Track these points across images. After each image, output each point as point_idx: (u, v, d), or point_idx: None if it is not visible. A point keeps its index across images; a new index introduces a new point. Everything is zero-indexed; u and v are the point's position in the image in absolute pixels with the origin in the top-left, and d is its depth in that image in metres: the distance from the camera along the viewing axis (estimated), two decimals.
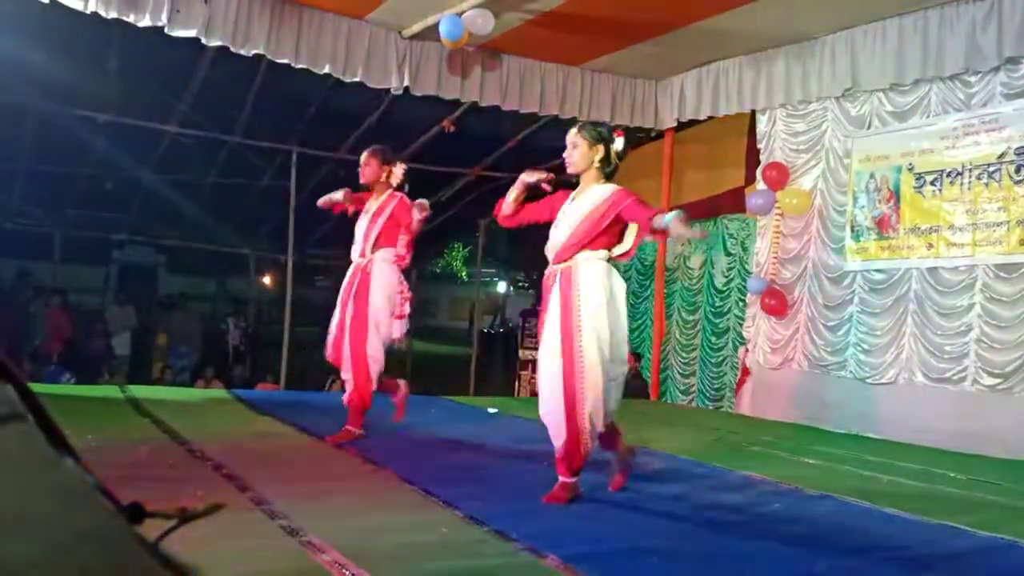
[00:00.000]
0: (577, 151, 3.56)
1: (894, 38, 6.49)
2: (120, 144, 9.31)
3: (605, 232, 3.48)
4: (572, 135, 3.59)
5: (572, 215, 3.54)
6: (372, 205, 4.86)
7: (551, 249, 3.59)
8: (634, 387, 8.99)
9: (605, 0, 6.43)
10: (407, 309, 4.85)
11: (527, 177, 3.72)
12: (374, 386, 4.72)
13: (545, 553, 2.62)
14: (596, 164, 3.55)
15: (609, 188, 3.55)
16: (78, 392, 6.61)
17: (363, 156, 4.92)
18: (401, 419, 4.97)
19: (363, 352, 4.67)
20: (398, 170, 4.88)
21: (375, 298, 4.70)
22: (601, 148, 3.54)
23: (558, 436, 3.42)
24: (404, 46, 7.21)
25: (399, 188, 4.89)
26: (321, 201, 5.06)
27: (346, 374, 4.77)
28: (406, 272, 4.96)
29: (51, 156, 9.68)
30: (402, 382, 5.03)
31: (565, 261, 3.50)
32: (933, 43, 6.23)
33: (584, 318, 3.38)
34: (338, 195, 4.97)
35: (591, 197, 3.53)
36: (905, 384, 6.47)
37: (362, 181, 4.90)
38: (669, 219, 3.26)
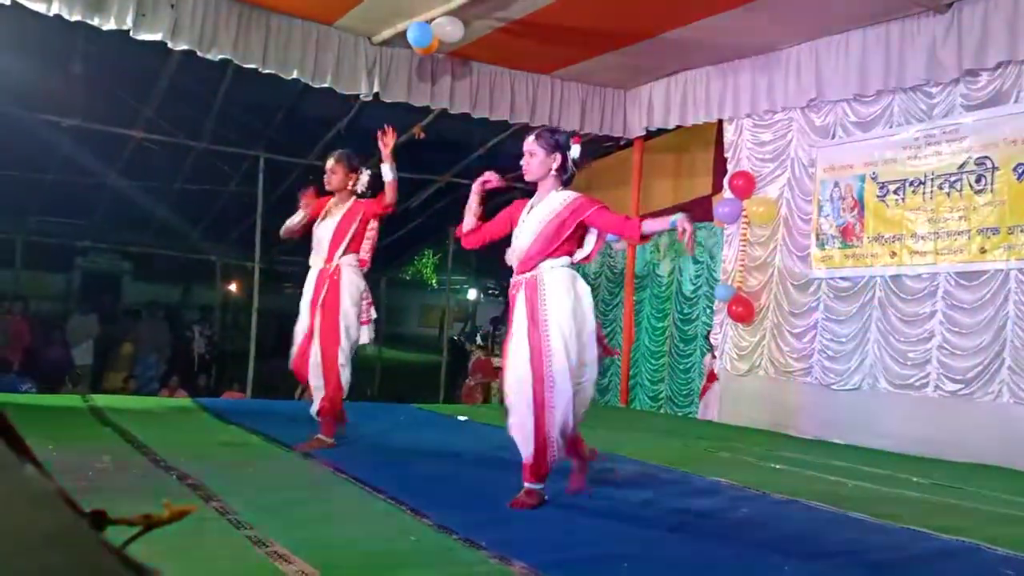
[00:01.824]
0: (535, 159, 3.55)
1: (857, 50, 6.61)
2: (85, 149, 9.16)
3: (568, 240, 3.50)
4: (529, 143, 3.58)
5: (533, 223, 3.53)
6: (337, 210, 4.77)
7: (515, 257, 3.59)
8: None
9: (575, 9, 6.47)
10: (373, 313, 4.82)
11: (479, 184, 3.70)
12: (344, 393, 4.68)
13: (515, 560, 2.61)
14: (553, 172, 3.54)
15: (569, 195, 3.55)
16: (39, 401, 6.48)
17: (329, 162, 4.83)
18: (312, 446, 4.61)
19: (335, 359, 4.62)
20: (364, 177, 4.81)
21: (346, 304, 4.64)
22: (558, 156, 3.53)
23: (526, 445, 3.42)
24: (374, 52, 7.19)
25: (362, 196, 4.84)
26: (284, 232, 4.94)
27: (316, 381, 4.68)
28: (372, 278, 4.92)
29: (13, 161, 9.50)
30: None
31: (529, 271, 3.51)
32: (895, 55, 6.35)
33: (551, 327, 3.39)
34: (296, 217, 4.86)
35: (551, 204, 3.53)
36: (869, 390, 6.56)
37: (328, 188, 4.82)
38: (675, 220, 3.36)
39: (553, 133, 3.65)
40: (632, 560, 2.78)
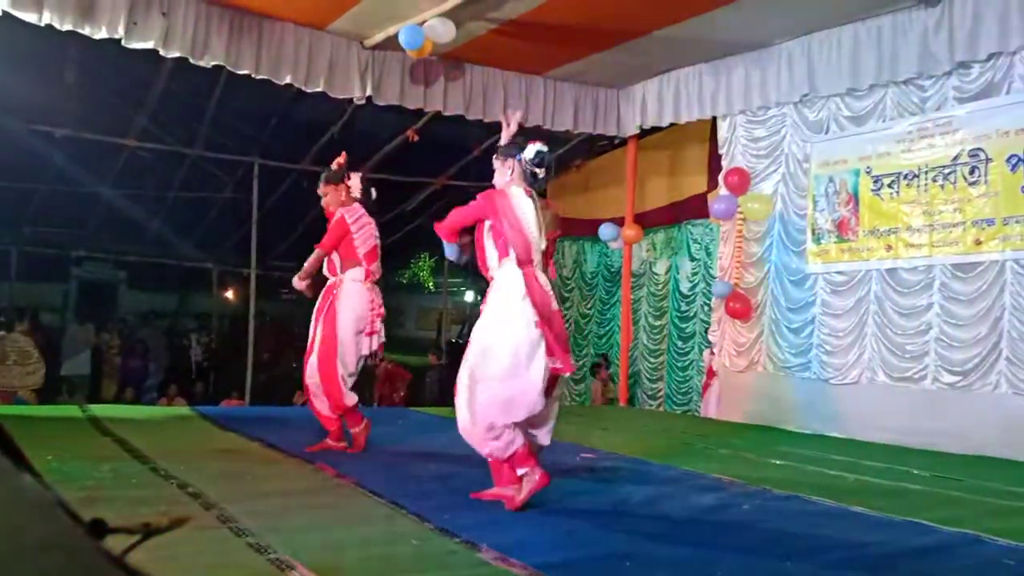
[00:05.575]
0: (495, 174, 3.73)
1: (849, 44, 6.62)
2: (78, 159, 9.14)
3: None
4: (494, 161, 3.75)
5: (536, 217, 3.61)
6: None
7: (536, 248, 3.58)
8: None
9: (566, 9, 6.47)
10: (378, 326, 4.76)
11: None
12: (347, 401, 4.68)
13: (516, 562, 2.61)
14: (511, 177, 3.65)
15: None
16: (36, 412, 6.46)
17: (319, 188, 4.84)
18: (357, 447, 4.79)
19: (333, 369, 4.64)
20: (354, 183, 4.81)
21: (343, 317, 4.63)
22: (511, 161, 3.65)
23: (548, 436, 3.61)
24: (366, 56, 7.19)
25: (367, 199, 4.84)
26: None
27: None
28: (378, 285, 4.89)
29: (6, 172, 9.48)
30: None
31: (537, 263, 3.59)
32: (887, 48, 6.36)
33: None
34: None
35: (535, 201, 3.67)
36: (868, 384, 6.57)
37: (331, 211, 4.75)
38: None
39: (510, 146, 3.75)
40: (634, 559, 2.78)
